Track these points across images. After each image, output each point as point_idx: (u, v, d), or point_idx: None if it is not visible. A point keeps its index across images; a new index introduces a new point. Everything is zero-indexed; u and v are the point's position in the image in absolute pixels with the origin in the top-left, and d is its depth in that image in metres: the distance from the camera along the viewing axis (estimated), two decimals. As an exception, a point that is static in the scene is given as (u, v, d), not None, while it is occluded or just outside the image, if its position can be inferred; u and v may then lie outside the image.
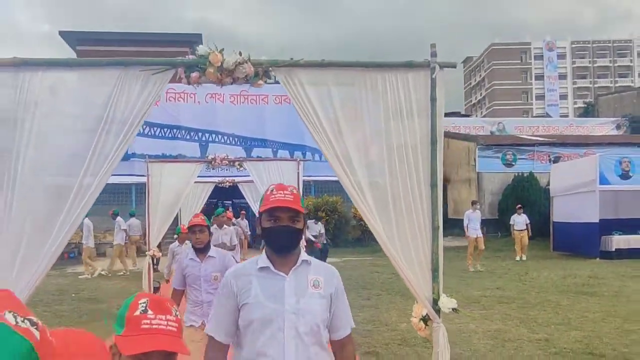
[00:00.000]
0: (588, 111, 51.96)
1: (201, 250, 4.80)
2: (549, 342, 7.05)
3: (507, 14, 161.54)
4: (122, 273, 15.78)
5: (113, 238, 16.86)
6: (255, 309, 2.20)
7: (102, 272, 15.35)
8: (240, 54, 3.60)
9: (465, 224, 15.63)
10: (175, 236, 10.67)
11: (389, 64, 3.91)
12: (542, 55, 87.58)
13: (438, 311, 3.75)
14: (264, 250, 2.36)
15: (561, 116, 67.80)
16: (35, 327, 0.89)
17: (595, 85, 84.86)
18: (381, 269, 14.15)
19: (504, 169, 25.48)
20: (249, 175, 14.15)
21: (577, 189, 17.92)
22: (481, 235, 15.41)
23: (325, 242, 16.05)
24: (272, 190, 2.30)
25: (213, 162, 13.41)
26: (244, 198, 18.28)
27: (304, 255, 2.34)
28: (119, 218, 16.24)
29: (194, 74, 3.57)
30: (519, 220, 17.35)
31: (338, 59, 3.96)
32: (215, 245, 7.84)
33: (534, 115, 73.63)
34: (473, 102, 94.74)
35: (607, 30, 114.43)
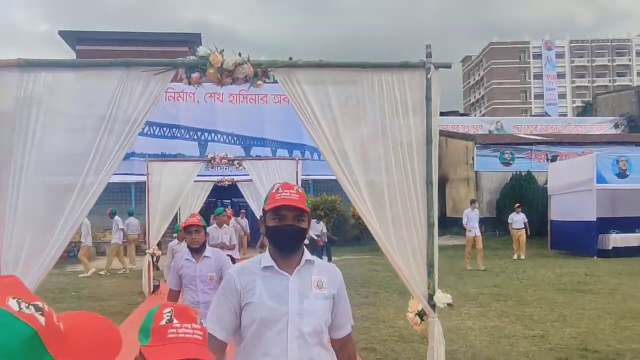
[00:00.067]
0: (586, 110, 52.09)
1: (197, 251, 4.78)
2: (544, 339, 7.14)
3: (506, 13, 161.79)
4: (121, 272, 15.85)
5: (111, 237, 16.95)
6: (259, 309, 2.19)
7: (101, 273, 15.43)
8: (239, 54, 3.68)
9: (464, 223, 15.70)
10: (175, 234, 10.74)
11: (386, 64, 4.00)
12: (541, 55, 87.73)
13: (433, 306, 3.84)
14: (267, 249, 2.35)
15: (560, 115, 67.95)
16: (40, 312, 0.87)
17: (594, 85, 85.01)
18: (379, 267, 14.23)
19: (502, 167, 25.57)
20: (248, 175, 14.25)
21: (574, 187, 18.00)
22: (479, 234, 15.49)
23: (326, 240, 16.16)
24: (277, 189, 2.27)
25: (212, 161, 13.50)
26: (243, 197, 18.38)
27: (307, 255, 2.32)
28: (116, 217, 16.31)
29: (195, 75, 3.65)
30: (517, 219, 17.42)
31: (337, 58, 4.07)
32: (215, 245, 7.94)
33: (533, 114, 73.73)
34: (472, 101, 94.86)
35: (605, 30, 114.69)
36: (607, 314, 8.62)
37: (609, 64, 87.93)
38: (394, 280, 10.74)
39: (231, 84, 3.76)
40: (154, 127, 24.66)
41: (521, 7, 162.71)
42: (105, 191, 3.84)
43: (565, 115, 69.84)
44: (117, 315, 9.09)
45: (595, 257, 16.65)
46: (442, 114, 38.57)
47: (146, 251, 12.04)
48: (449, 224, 24.18)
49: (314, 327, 2.21)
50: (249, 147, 25.82)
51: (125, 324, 8.01)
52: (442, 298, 3.80)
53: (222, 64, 3.60)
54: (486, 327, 7.81)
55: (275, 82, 3.96)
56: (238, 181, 16.84)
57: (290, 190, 2.25)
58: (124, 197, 22.68)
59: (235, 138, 25.96)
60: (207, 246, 4.92)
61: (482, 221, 16.75)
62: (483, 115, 73.38)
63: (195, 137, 25.69)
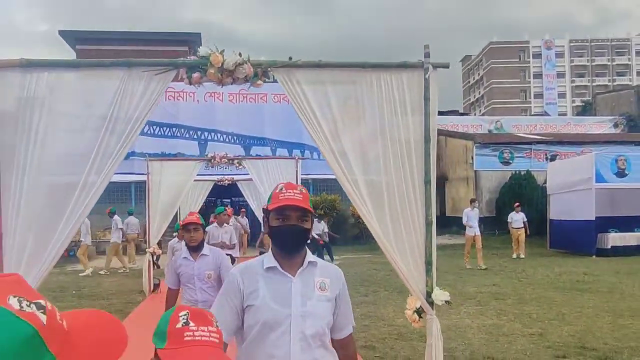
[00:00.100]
0: (586, 110, 52.15)
1: (194, 249, 4.76)
2: (542, 337, 7.18)
3: (506, 12, 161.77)
4: (122, 271, 15.90)
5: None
6: (262, 312, 2.18)
7: (101, 272, 15.47)
8: (240, 54, 3.72)
9: (464, 222, 15.73)
10: (175, 233, 10.78)
11: (384, 64, 4.04)
12: (541, 54, 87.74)
13: (431, 304, 3.88)
14: (270, 250, 2.34)
15: (559, 115, 68.01)
16: (42, 311, 0.87)
17: (594, 84, 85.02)
18: (379, 266, 14.27)
19: (501, 167, 25.62)
20: (247, 174, 14.28)
21: (573, 186, 18.05)
22: (479, 233, 15.52)
23: (327, 240, 16.23)
24: (281, 189, 2.26)
25: (213, 161, 13.53)
26: (242, 196, 18.41)
27: (310, 256, 2.32)
28: (116, 216, 16.36)
29: (196, 75, 3.69)
30: (517, 218, 17.47)
31: (338, 58, 4.13)
32: (215, 244, 7.97)
33: (533, 113, 73.78)
34: (472, 100, 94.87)
35: (605, 29, 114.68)
36: (605, 312, 8.66)
37: (609, 63, 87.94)
38: (393, 278, 10.78)
39: (231, 83, 3.80)
40: (154, 127, 24.69)
41: (521, 7, 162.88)
42: (105, 190, 3.87)
43: (565, 114, 69.89)
44: (118, 313, 9.11)
45: (594, 256, 16.70)
46: (441, 113, 38.69)
47: (146, 250, 12.08)
48: (449, 223, 24.23)
49: (317, 330, 2.21)
50: (248, 147, 25.86)
51: (125, 322, 8.03)
52: (440, 295, 3.84)
53: (222, 64, 3.64)
54: (485, 326, 7.86)
55: (275, 81, 3.99)
56: (238, 180, 16.88)
57: (294, 191, 2.24)
58: (124, 197, 22.72)
59: (235, 137, 25.99)
60: (206, 244, 4.91)
61: (482, 220, 16.80)
62: (483, 114, 73.40)
63: (195, 136, 25.73)
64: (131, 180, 21.15)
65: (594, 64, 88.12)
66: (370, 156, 3.97)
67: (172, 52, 23.92)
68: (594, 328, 7.60)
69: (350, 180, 3.91)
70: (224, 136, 25.93)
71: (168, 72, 3.71)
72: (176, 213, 13.27)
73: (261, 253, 16.66)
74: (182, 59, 3.85)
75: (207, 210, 17.16)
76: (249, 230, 20.70)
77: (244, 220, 20.15)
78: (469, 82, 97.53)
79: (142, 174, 13.87)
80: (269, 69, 3.84)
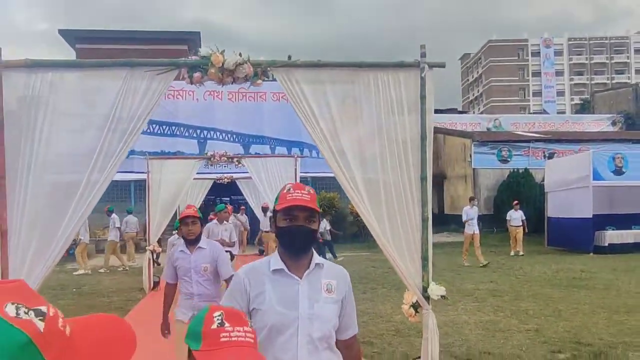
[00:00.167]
0: (584, 108, 52.27)
1: (191, 242, 4.76)
2: (538, 332, 7.28)
3: (505, 11, 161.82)
4: (121, 269, 15.99)
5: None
6: (269, 315, 2.17)
7: (101, 271, 15.54)
8: (240, 54, 3.80)
9: (464, 220, 15.79)
10: (174, 231, 10.86)
11: (381, 64, 4.12)
12: (539, 52, 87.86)
13: (427, 298, 3.97)
14: (276, 251, 2.32)
15: (558, 113, 68.11)
16: (40, 317, 0.85)
17: (592, 82, 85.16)
18: (377, 263, 14.35)
19: (499, 165, 25.72)
20: (247, 172, 14.35)
21: (571, 184, 18.14)
22: (478, 231, 15.58)
23: (329, 238, 16.32)
24: (289, 189, 2.24)
25: (212, 159, 13.58)
26: (241, 194, 18.48)
27: (317, 258, 2.30)
28: (113, 215, 16.43)
29: (197, 74, 3.77)
30: (515, 216, 17.57)
31: (337, 57, 4.21)
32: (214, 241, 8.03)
33: (531, 111, 73.89)
34: (470, 98, 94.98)
35: (604, 27, 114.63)
36: (601, 308, 8.75)
37: (607, 61, 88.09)
38: (391, 276, 10.87)
39: (232, 83, 3.87)
40: (153, 125, 24.74)
41: (520, 5, 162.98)
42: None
43: (564, 112, 70.03)
44: (118, 311, 9.20)
45: (591, 254, 16.78)
46: (440, 111, 38.63)
47: (146, 248, 12.16)
48: (447, 221, 24.33)
49: (324, 332, 2.20)
50: (247, 145, 25.92)
51: (125, 320, 8.13)
52: (436, 290, 3.93)
53: (223, 64, 3.72)
54: (481, 322, 7.95)
55: (274, 80, 4.06)
56: (237, 179, 16.95)
57: (302, 191, 2.22)
58: (124, 195, 22.79)
59: (234, 136, 26.05)
60: (203, 237, 4.92)
61: (480, 218, 16.87)
62: (482, 112, 73.51)
63: (195, 134, 25.78)
64: (131, 178, 21.21)
65: (592, 62, 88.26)
66: (367, 154, 4.05)
67: (172, 50, 23.95)
68: (589, 324, 7.70)
69: (349, 178, 3.99)
70: (223, 134, 25.99)
71: (170, 72, 3.79)
72: (176, 211, 13.34)
73: (260, 251, 16.71)
74: (183, 59, 3.93)
75: (207, 209, 17.23)
76: (249, 227, 20.78)
77: (244, 218, 20.23)
78: (467, 80, 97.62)
79: (142, 172, 13.94)
80: (268, 68, 3.92)
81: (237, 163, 14.50)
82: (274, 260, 2.26)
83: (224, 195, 23.70)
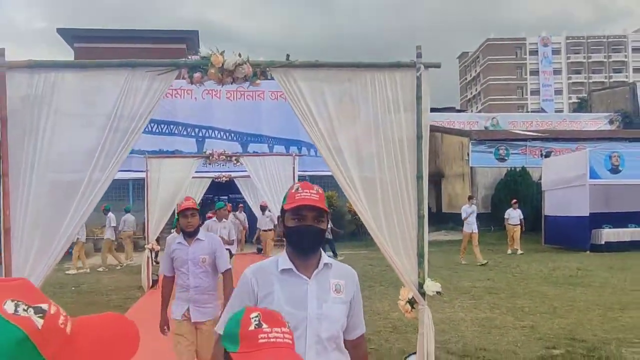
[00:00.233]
0: (582, 106, 52.37)
1: (190, 234, 4.71)
2: (534, 329, 7.37)
3: (503, 9, 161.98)
4: (119, 267, 16.05)
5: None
6: None
7: (99, 269, 15.60)
8: (239, 55, 3.87)
9: (463, 217, 15.85)
10: (173, 229, 10.91)
11: (378, 64, 4.19)
12: (537, 51, 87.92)
13: (423, 294, 4.04)
14: (284, 251, 2.31)
15: (556, 111, 68.23)
16: (40, 315, 0.85)
17: (590, 81, 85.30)
18: (375, 262, 14.44)
19: (497, 163, 25.80)
20: (245, 171, 14.40)
21: (568, 183, 18.23)
22: (476, 230, 15.65)
23: (330, 236, 16.40)
24: (297, 189, 2.21)
25: (210, 158, 13.63)
26: (240, 193, 18.55)
27: (325, 258, 2.28)
28: (110, 214, 16.47)
29: (197, 74, 3.84)
30: (514, 215, 17.66)
31: (337, 56, 4.30)
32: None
33: (529, 110, 74.04)
34: (468, 97, 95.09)
35: (602, 26, 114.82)
36: (596, 306, 8.85)
37: (605, 60, 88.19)
38: (388, 274, 10.96)
39: (231, 83, 3.94)
40: (152, 124, 24.71)
41: (518, 4, 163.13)
42: (103, 188, 3.97)
43: (562, 111, 70.14)
44: (117, 309, 9.26)
45: (588, 252, 16.90)
46: (438, 110, 38.61)
47: (145, 246, 12.22)
48: (445, 220, 24.42)
49: (332, 332, 2.19)
50: (246, 144, 25.95)
51: (130, 319, 8.19)
52: (431, 286, 4.00)
53: (222, 64, 3.79)
54: (478, 319, 8.03)
55: (272, 79, 4.13)
56: (235, 177, 17.01)
57: (311, 191, 2.19)
58: (122, 194, 22.84)
59: (232, 134, 26.08)
60: (202, 230, 4.89)
61: (477, 216, 16.97)
62: (479, 111, 73.68)
63: (193, 133, 25.81)
64: (129, 177, 21.22)
65: (590, 60, 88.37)
66: (364, 153, 4.12)
67: (170, 49, 24.03)
68: (584, 321, 7.79)
69: (346, 176, 4.06)
70: (222, 133, 26.02)
71: (171, 72, 3.85)
72: (174, 210, 13.40)
73: (258, 249, 16.72)
74: (183, 59, 4.01)
75: (205, 208, 17.28)
76: (247, 225, 20.83)
77: (242, 216, 20.27)
78: (465, 78, 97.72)
79: (140, 171, 13.99)
80: (267, 68, 3.99)
81: (235, 162, 14.56)
82: (282, 260, 2.24)
83: (223, 193, 23.76)
